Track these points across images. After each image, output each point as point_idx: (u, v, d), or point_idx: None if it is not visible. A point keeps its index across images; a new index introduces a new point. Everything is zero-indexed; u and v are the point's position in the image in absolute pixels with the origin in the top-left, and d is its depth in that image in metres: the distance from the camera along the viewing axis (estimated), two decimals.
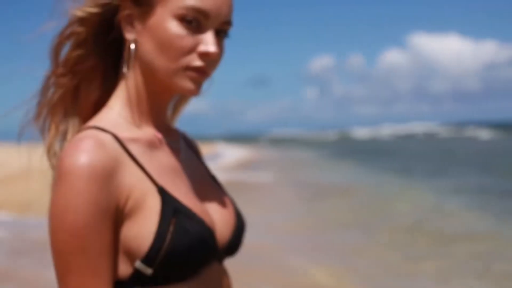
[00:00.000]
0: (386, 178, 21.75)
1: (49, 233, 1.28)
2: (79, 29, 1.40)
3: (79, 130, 1.38)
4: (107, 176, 1.27)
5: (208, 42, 1.35)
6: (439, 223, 11.93)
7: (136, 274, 1.31)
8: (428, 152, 45.41)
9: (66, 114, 1.43)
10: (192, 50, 1.35)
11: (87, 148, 1.26)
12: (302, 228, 11.29)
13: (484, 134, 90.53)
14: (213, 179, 1.60)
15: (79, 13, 1.39)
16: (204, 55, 1.35)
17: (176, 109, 1.62)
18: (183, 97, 1.61)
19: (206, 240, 1.35)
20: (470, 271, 8.07)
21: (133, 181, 1.31)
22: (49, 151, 1.43)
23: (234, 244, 1.48)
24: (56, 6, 1.42)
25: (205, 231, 1.35)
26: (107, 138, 1.32)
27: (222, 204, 1.50)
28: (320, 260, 8.60)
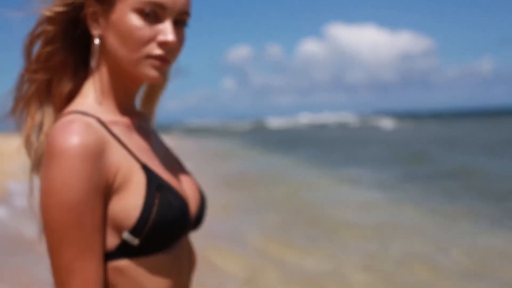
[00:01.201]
0: (289, 164, 23.36)
1: (43, 210, 1.34)
2: (48, 27, 1.48)
3: (55, 119, 1.47)
4: (97, 155, 1.34)
5: (166, 32, 1.43)
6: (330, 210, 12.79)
7: (123, 245, 1.39)
8: (335, 140, 47.31)
9: (41, 106, 1.50)
10: (151, 40, 1.43)
11: (77, 130, 1.34)
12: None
13: (389, 124, 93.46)
14: (176, 158, 1.70)
15: (47, 12, 1.47)
16: (163, 44, 1.44)
17: (151, 97, 1.70)
18: (153, 85, 1.68)
19: (185, 213, 1.46)
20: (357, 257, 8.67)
21: (119, 159, 1.40)
22: (27, 141, 1.50)
23: (200, 217, 1.59)
24: (26, 6, 1.49)
25: (184, 205, 1.46)
26: (92, 121, 1.40)
27: (190, 181, 1.61)
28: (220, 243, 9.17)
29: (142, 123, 1.60)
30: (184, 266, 1.53)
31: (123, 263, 1.41)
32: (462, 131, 54.83)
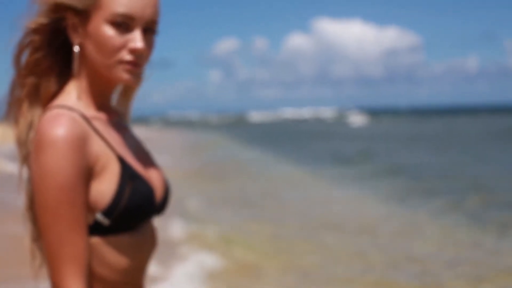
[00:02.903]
0: (256, 153, 27.41)
1: (37, 192, 1.53)
2: (34, 37, 1.66)
3: (44, 113, 1.62)
4: (82, 145, 1.54)
5: (135, 40, 1.61)
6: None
7: (95, 224, 1.59)
8: (298, 135, 50.62)
9: (31, 107, 1.68)
10: (123, 47, 1.62)
11: (64, 123, 1.53)
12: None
13: (359, 121, 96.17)
14: (146, 150, 1.84)
15: (32, 25, 1.65)
16: (133, 51, 1.61)
17: (127, 95, 1.85)
18: (127, 86, 1.82)
19: (151, 200, 1.65)
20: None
21: (99, 150, 1.59)
22: (19, 139, 1.67)
23: (164, 204, 1.76)
24: (16, 21, 1.68)
25: (151, 193, 1.65)
26: (76, 115, 1.59)
27: (157, 172, 1.77)
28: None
29: (117, 120, 1.77)
30: (146, 246, 1.70)
31: (94, 240, 1.59)
32: (431, 128, 56.27)
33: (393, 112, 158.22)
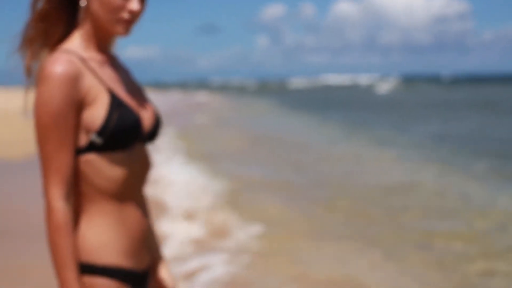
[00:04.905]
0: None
1: (34, 116, 1.87)
2: None
3: (50, 53, 1.98)
4: (74, 80, 1.87)
5: (133, 2, 1.95)
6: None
7: (90, 143, 1.91)
8: (322, 101, 52.52)
9: (40, 46, 2.00)
10: (122, 7, 1.94)
11: (62, 63, 1.86)
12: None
13: (386, 87, 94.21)
14: (140, 89, 2.15)
15: None
16: (131, 11, 1.95)
17: (111, 42, 2.15)
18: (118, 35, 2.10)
19: (137, 125, 1.96)
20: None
21: (91, 84, 1.92)
22: (28, 70, 1.99)
23: (153, 133, 2.07)
24: None
25: (137, 120, 1.96)
26: (74, 57, 1.91)
27: (147, 106, 2.09)
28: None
29: (114, 62, 2.10)
30: (138, 163, 2.01)
31: (91, 156, 1.92)
32: (466, 96, 54.24)
33: (435, 80, 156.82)
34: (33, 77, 1.96)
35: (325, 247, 7.25)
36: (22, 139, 15.54)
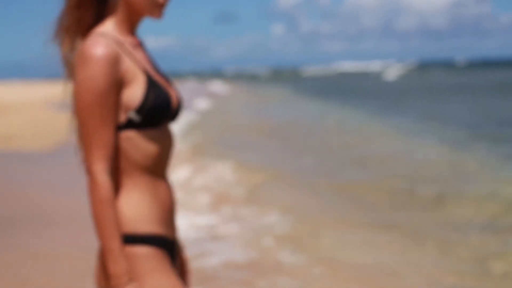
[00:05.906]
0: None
1: (76, 95, 1.97)
2: None
3: (85, 38, 2.09)
4: (113, 62, 1.97)
5: None
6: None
7: (129, 121, 2.01)
8: (326, 88, 54.32)
9: (75, 34, 2.11)
10: None
11: (102, 44, 1.97)
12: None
13: (393, 74, 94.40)
14: (163, 71, 2.25)
15: None
16: None
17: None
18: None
19: (169, 104, 2.07)
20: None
21: (128, 66, 2.02)
22: (65, 57, 2.10)
23: (177, 113, 2.17)
24: None
25: (169, 99, 2.08)
26: (110, 40, 2.02)
27: (172, 87, 2.19)
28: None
29: (142, 45, 2.20)
30: (167, 141, 2.13)
31: (130, 133, 2.02)
32: (473, 80, 54.74)
33: (449, 65, 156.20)
34: (66, 66, 2.10)
35: (351, 234, 7.20)
36: (44, 131, 16.39)
